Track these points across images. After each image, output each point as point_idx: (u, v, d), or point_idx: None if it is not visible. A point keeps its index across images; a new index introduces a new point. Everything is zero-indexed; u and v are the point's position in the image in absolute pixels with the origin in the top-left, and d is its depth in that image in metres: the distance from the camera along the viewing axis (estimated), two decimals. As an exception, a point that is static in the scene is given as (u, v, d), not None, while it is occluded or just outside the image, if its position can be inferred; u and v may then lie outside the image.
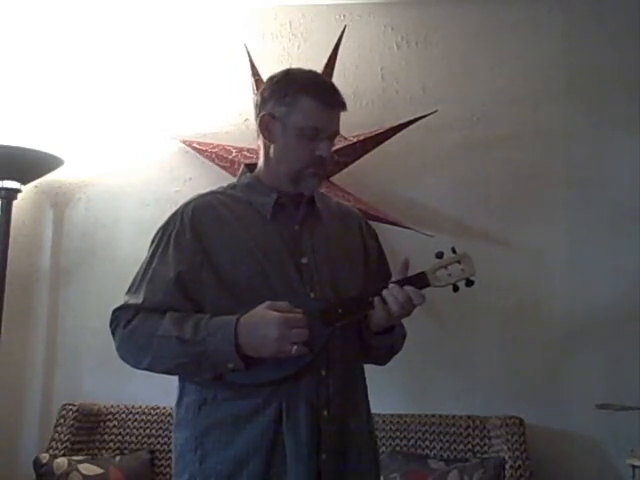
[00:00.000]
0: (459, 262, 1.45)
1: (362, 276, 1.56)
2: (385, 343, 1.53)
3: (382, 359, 1.61)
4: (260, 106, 1.53)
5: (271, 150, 1.52)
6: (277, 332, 1.33)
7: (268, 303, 1.37)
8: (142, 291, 1.44)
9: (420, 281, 1.43)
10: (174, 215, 1.52)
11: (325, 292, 1.47)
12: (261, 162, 1.56)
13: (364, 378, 1.56)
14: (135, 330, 1.42)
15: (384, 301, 1.40)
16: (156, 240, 1.51)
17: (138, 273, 1.49)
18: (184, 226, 1.48)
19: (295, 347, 1.34)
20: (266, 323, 1.34)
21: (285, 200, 1.52)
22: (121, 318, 1.44)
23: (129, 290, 1.48)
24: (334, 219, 1.60)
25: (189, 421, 1.44)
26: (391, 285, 1.41)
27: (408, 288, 1.40)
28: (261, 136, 1.54)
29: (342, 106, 1.52)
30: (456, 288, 1.45)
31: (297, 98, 1.47)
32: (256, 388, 1.40)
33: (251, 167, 1.61)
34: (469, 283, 1.44)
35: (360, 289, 1.51)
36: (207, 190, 1.59)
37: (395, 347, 1.59)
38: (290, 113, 1.47)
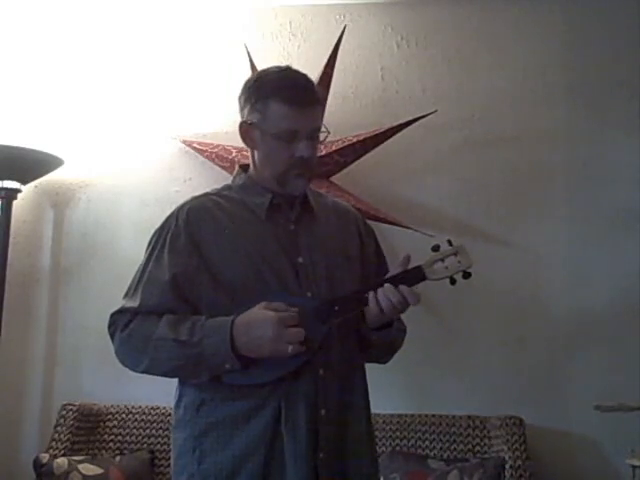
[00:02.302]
0: (455, 254, 1.44)
1: (360, 275, 1.56)
2: (384, 339, 1.53)
3: (383, 357, 1.61)
4: (240, 112, 1.54)
5: (255, 155, 1.53)
6: (272, 332, 1.34)
7: (264, 303, 1.37)
8: (139, 294, 1.45)
9: (417, 275, 1.43)
10: (169, 218, 1.53)
11: (322, 291, 1.47)
12: (252, 164, 1.57)
13: (364, 378, 1.55)
14: (132, 334, 1.42)
15: (377, 301, 1.40)
16: (152, 243, 1.52)
17: (135, 276, 1.50)
18: (179, 229, 1.48)
19: (291, 346, 1.34)
20: (261, 323, 1.35)
21: (280, 200, 1.52)
22: (119, 322, 1.44)
23: (126, 294, 1.49)
24: (330, 218, 1.60)
25: (187, 422, 1.45)
26: (386, 286, 1.41)
27: (403, 288, 1.40)
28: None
29: (315, 102, 1.50)
30: (453, 281, 1.44)
31: (267, 104, 1.47)
32: (254, 388, 1.40)
33: (245, 168, 1.61)
34: (466, 275, 1.43)
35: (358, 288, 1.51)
36: (202, 192, 1.59)
37: (395, 344, 1.59)
38: (263, 120, 1.47)
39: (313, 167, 1.54)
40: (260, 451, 1.38)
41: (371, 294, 1.41)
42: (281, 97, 1.46)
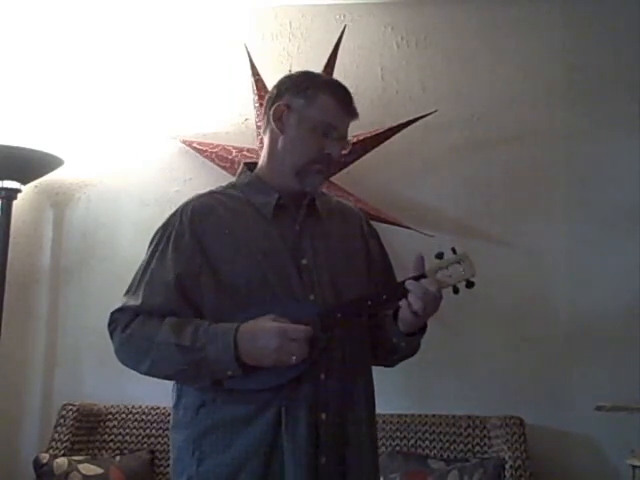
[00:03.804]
0: (459, 263, 1.43)
1: (365, 277, 1.55)
2: (413, 344, 1.52)
3: (397, 362, 1.60)
4: (274, 98, 1.54)
5: (279, 141, 1.51)
6: (277, 343, 1.33)
7: (272, 316, 1.37)
8: (140, 293, 1.44)
9: None
10: (173, 216, 1.52)
11: (325, 294, 1.46)
12: (264, 158, 1.56)
13: (370, 382, 1.54)
14: (134, 334, 1.41)
15: (409, 305, 1.38)
16: (155, 241, 1.50)
17: (137, 274, 1.49)
18: (183, 227, 1.47)
19: (294, 358, 1.34)
20: (266, 333, 1.34)
21: (286, 200, 1.51)
22: (119, 321, 1.43)
23: (127, 291, 1.48)
24: (335, 219, 1.59)
25: (187, 423, 1.44)
26: (409, 281, 1.39)
27: (423, 280, 1.39)
28: (269, 127, 1.53)
29: (355, 115, 1.55)
30: (456, 290, 1.43)
31: (317, 93, 1.49)
32: (255, 392, 1.39)
33: (251, 166, 1.60)
34: (469, 284, 1.42)
35: (363, 290, 1.50)
36: (206, 190, 1.58)
37: (417, 349, 1.57)
38: (308, 106, 1.49)
39: (332, 169, 1.55)
40: (260, 454, 1.37)
41: (404, 301, 1.39)
42: (334, 93, 1.51)
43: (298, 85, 1.52)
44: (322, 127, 1.48)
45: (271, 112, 1.52)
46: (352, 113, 1.54)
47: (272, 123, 1.52)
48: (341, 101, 1.50)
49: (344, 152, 1.56)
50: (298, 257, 1.47)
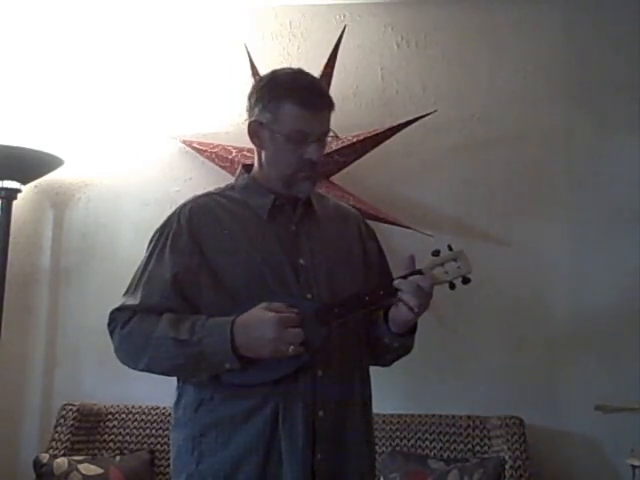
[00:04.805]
0: (455, 260, 1.44)
1: (362, 277, 1.55)
2: (406, 344, 1.53)
3: (392, 361, 1.61)
4: (249, 111, 1.54)
5: (262, 155, 1.53)
6: (273, 332, 1.34)
7: (264, 304, 1.37)
8: (139, 292, 1.45)
9: None
10: (171, 216, 1.53)
11: (322, 293, 1.46)
12: (256, 164, 1.57)
13: (367, 379, 1.55)
14: (132, 332, 1.42)
15: (404, 302, 1.39)
16: (153, 241, 1.52)
17: (135, 274, 1.50)
18: (181, 227, 1.48)
19: (291, 347, 1.34)
20: (262, 323, 1.35)
21: (282, 201, 1.52)
22: (118, 320, 1.44)
23: (127, 291, 1.49)
24: (332, 220, 1.60)
25: (187, 421, 1.45)
26: (397, 280, 1.41)
27: (416, 278, 1.40)
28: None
29: (328, 107, 1.50)
30: (453, 286, 1.44)
31: (280, 104, 1.46)
32: (253, 388, 1.40)
33: (248, 168, 1.61)
34: (466, 280, 1.44)
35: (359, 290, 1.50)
36: (205, 191, 1.59)
37: (410, 349, 1.58)
38: (275, 120, 1.47)
39: (319, 171, 1.54)
40: (258, 452, 1.38)
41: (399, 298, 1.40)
42: (295, 99, 1.45)
43: (262, 98, 1.50)
44: (294, 137, 1.45)
45: (247, 128, 1.52)
46: (321, 108, 1.48)
47: (250, 139, 1.52)
48: (306, 105, 1.45)
49: (327, 145, 1.55)
50: (295, 257, 1.48)
